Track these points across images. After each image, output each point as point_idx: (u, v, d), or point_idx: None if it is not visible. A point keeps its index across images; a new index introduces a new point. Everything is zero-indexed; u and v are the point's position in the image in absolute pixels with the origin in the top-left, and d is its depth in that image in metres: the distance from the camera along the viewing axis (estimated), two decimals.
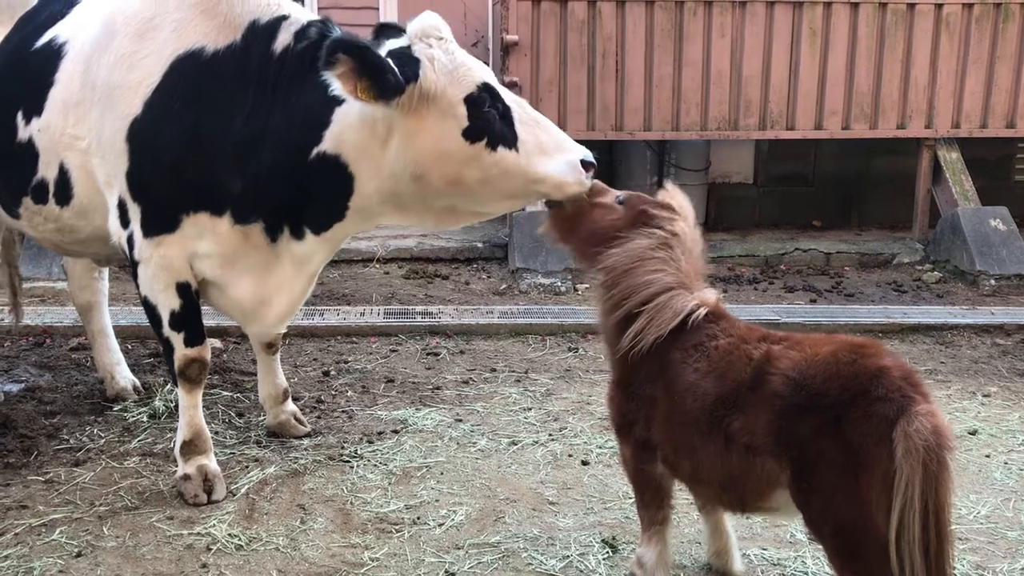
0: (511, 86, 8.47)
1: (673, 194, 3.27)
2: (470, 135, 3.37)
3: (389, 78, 3.25)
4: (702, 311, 3.07)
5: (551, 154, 3.38)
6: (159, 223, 3.87)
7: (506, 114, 3.39)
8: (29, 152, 4.17)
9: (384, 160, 3.54)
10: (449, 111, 3.36)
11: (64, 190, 4.14)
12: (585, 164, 3.36)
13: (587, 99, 8.66)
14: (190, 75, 3.77)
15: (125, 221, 3.95)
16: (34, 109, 4.14)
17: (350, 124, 3.57)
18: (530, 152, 3.38)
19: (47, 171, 4.16)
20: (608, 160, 9.57)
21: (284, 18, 3.80)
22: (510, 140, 3.39)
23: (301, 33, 3.74)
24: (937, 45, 8.74)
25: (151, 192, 3.86)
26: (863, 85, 8.78)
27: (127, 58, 3.86)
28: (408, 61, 3.35)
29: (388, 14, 9.80)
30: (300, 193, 3.77)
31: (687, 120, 8.77)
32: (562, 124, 8.63)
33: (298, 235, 3.90)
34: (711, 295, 3.15)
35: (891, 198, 9.54)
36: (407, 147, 3.46)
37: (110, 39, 3.93)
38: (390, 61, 3.31)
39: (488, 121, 3.37)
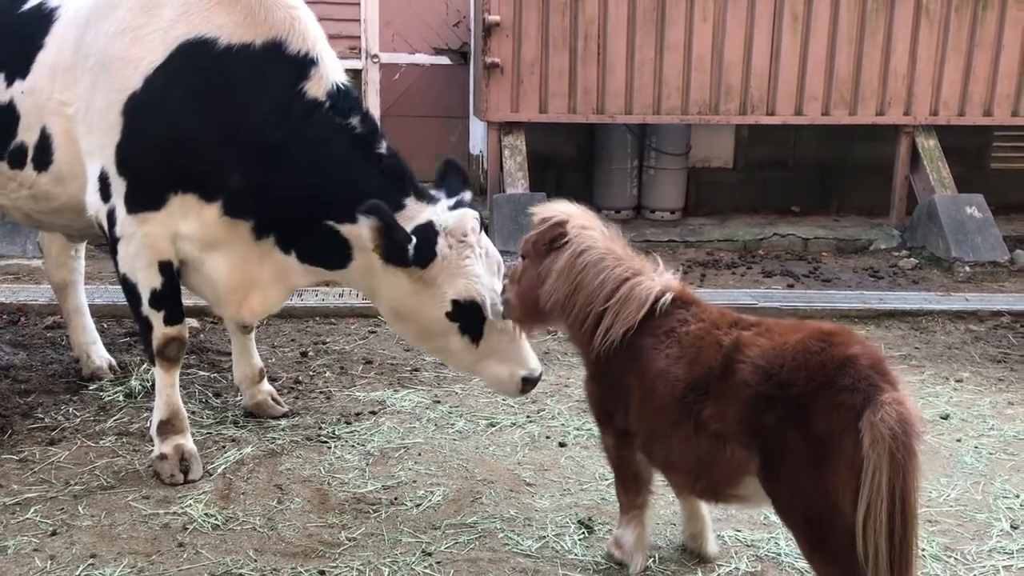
0: (492, 67, 8.45)
1: (547, 209, 3.31)
2: (453, 318, 3.80)
3: (401, 255, 3.69)
4: (668, 296, 3.08)
5: (502, 362, 3.86)
6: (145, 200, 3.85)
7: (482, 319, 3.80)
8: (8, 114, 4.13)
9: (379, 280, 3.87)
10: (440, 297, 3.78)
11: (44, 155, 4.11)
12: (526, 380, 3.86)
13: (569, 82, 8.64)
14: (199, 62, 3.75)
15: (106, 195, 3.91)
16: (18, 71, 4.10)
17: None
18: (486, 353, 3.86)
19: (27, 135, 4.12)
20: (589, 144, 9.58)
21: (313, 63, 3.80)
22: (476, 337, 3.84)
23: (337, 102, 3.80)
24: (917, 32, 8.78)
25: (140, 168, 3.84)
26: (843, 71, 8.82)
27: (130, 31, 3.82)
28: (426, 247, 3.73)
29: (370, 6, 9.73)
30: (300, 231, 3.92)
31: (668, 104, 8.78)
32: (543, 107, 8.66)
33: (284, 249, 3.99)
34: (672, 279, 3.17)
35: (869, 184, 9.61)
36: (399, 293, 3.84)
37: (112, 9, 3.89)
38: (411, 239, 3.69)
39: (468, 321, 3.80)
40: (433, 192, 3.93)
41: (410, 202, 3.82)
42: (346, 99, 3.85)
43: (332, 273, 4.07)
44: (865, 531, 2.51)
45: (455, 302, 3.75)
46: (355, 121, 3.83)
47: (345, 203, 3.74)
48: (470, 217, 3.78)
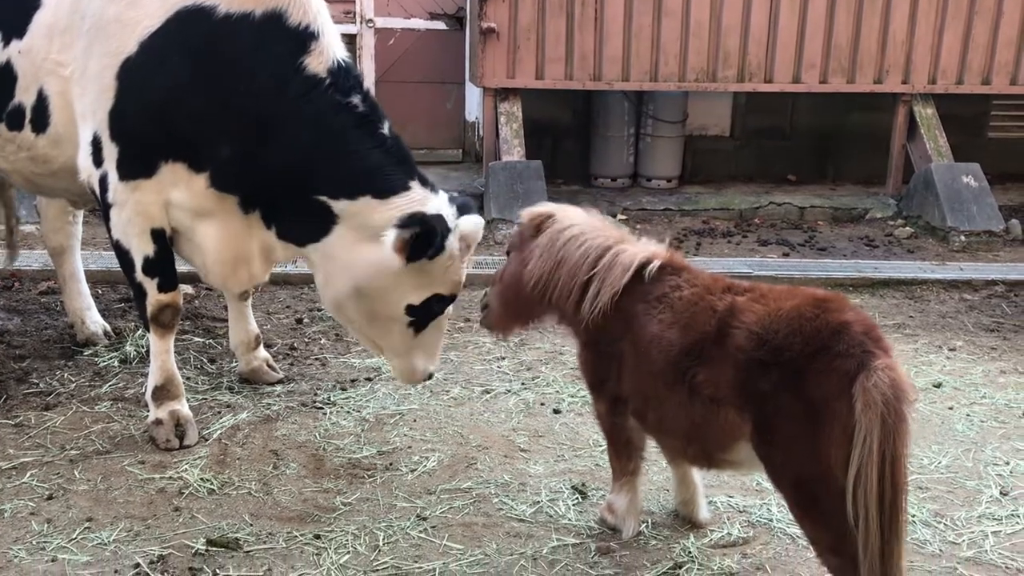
0: (488, 32, 8.38)
1: (535, 207, 3.36)
2: (410, 312, 3.84)
3: (427, 255, 3.63)
4: (656, 263, 3.09)
5: (424, 355, 3.99)
6: (137, 167, 3.83)
7: (437, 314, 3.91)
8: (6, 75, 4.08)
9: (358, 258, 3.77)
10: (420, 289, 3.78)
11: (41, 117, 4.08)
12: (428, 376, 4.11)
13: (565, 47, 8.57)
14: (197, 29, 3.70)
15: (98, 160, 3.89)
16: (15, 31, 4.05)
17: (370, 216, 3.73)
18: (419, 345, 3.96)
19: (24, 96, 4.09)
20: (586, 111, 9.52)
21: (314, 36, 3.73)
22: (419, 329, 3.91)
23: (338, 79, 3.74)
24: None
25: (132, 134, 3.81)
26: (842, 39, 8.75)
27: None
28: (441, 241, 3.66)
29: None
30: (284, 206, 3.88)
31: (665, 71, 8.71)
32: (539, 73, 8.61)
33: (267, 224, 3.97)
34: (659, 247, 3.18)
35: (866, 153, 9.57)
36: (381, 275, 3.75)
37: None
38: (439, 238, 3.64)
39: (426, 315, 3.87)
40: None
41: (415, 186, 3.78)
42: (347, 76, 3.78)
43: (300, 248, 3.97)
44: (855, 495, 2.54)
45: (435, 295, 3.79)
46: (356, 100, 3.77)
47: (346, 179, 3.72)
48: (481, 227, 3.83)
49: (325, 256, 3.90)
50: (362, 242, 3.75)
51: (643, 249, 3.14)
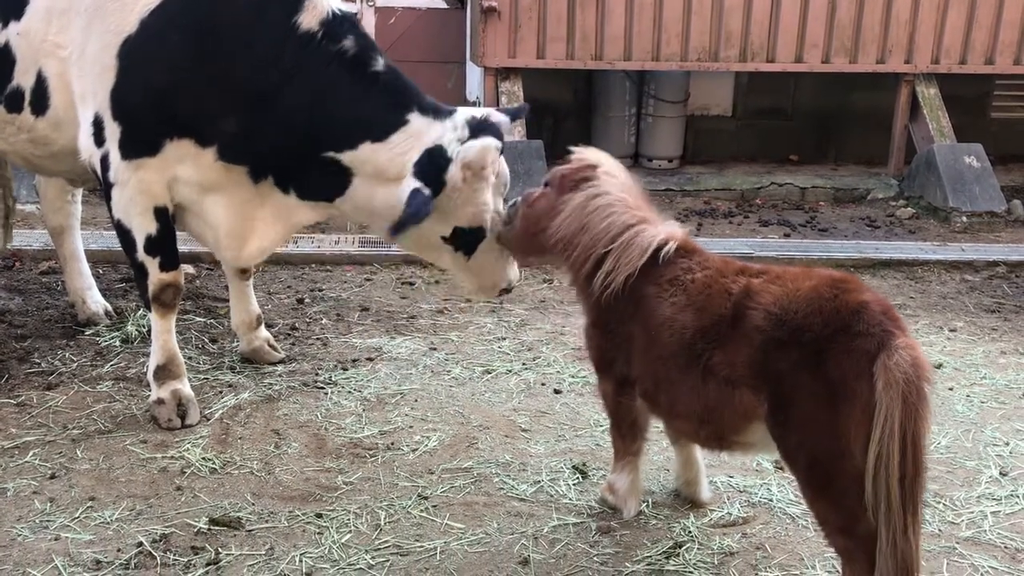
0: (489, 11, 8.33)
1: (585, 152, 3.33)
2: (447, 242, 3.85)
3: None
4: (672, 245, 3.08)
5: (490, 274, 3.96)
6: (140, 145, 3.82)
7: (479, 240, 3.84)
8: (4, 58, 4.06)
9: (379, 200, 3.79)
10: (442, 223, 3.76)
11: (40, 99, 4.06)
12: (504, 290, 4.05)
13: (567, 27, 8.52)
14: (196, 3, 3.70)
15: (100, 140, 3.87)
16: (13, 12, 4.03)
17: (378, 162, 3.74)
18: (478, 267, 3.94)
19: (23, 78, 4.07)
20: (587, 91, 9.48)
21: None
22: (468, 253, 3.89)
23: (330, 28, 3.72)
24: None
25: (135, 113, 3.80)
26: (844, 18, 8.70)
27: None
28: (435, 177, 3.63)
29: None
30: (296, 168, 3.88)
31: (667, 50, 8.66)
32: (541, 52, 8.56)
33: (283, 189, 3.95)
34: (678, 229, 3.16)
35: (868, 133, 9.53)
36: (396, 212, 3.69)
37: None
38: (428, 200, 3.60)
39: (466, 244, 3.86)
40: (446, 106, 3.84)
41: (414, 117, 3.74)
42: (341, 23, 3.76)
43: (331, 205, 3.98)
44: (876, 474, 2.53)
45: (458, 228, 3.78)
46: (348, 43, 3.74)
47: (344, 131, 3.71)
48: (492, 149, 3.64)
49: (355, 207, 3.94)
50: (380, 187, 3.77)
51: (662, 231, 3.11)
